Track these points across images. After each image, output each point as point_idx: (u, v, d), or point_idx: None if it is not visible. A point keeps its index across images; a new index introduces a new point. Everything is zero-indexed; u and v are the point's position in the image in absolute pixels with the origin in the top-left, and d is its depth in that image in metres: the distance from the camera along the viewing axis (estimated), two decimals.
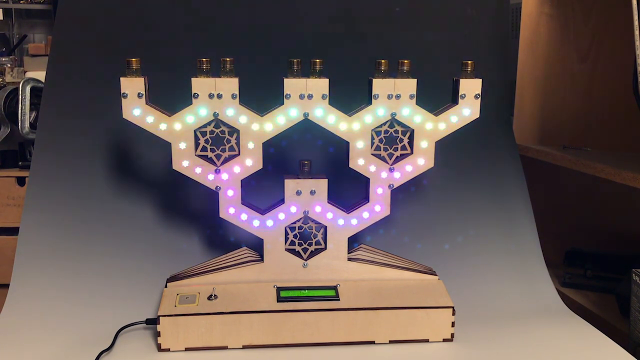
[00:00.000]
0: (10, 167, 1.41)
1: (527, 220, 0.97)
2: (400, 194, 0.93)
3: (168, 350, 0.73)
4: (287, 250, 0.80)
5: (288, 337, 0.74)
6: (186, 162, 0.76)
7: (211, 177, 0.77)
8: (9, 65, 1.85)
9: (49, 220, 0.87)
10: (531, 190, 0.99)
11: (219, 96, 0.74)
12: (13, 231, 1.35)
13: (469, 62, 0.77)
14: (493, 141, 0.99)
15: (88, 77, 0.90)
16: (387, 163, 0.79)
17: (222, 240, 0.90)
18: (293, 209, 0.78)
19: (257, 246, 0.82)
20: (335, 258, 0.80)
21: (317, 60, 0.75)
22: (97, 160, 0.90)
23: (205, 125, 0.75)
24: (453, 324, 0.76)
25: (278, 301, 0.75)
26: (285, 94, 0.75)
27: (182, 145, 0.75)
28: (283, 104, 0.75)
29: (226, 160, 0.77)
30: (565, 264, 1.11)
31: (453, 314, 0.76)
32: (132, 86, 0.73)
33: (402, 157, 0.79)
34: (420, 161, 0.79)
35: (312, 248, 0.80)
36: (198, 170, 0.76)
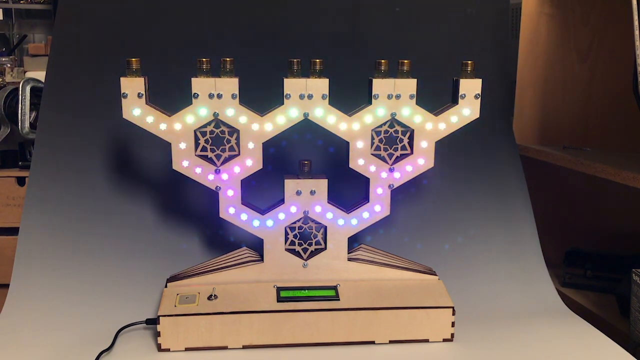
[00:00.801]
0: (10, 167, 1.41)
1: (527, 220, 0.97)
2: (400, 194, 0.93)
3: (168, 350, 0.73)
4: (287, 250, 0.80)
5: (288, 337, 0.74)
6: (186, 162, 0.76)
7: (211, 177, 0.77)
8: (9, 65, 1.85)
9: (49, 220, 0.87)
10: (531, 190, 0.99)
11: (219, 96, 0.74)
12: (13, 231, 1.35)
13: (469, 62, 0.77)
14: (493, 141, 0.99)
15: (88, 77, 0.90)
16: (387, 163, 0.79)
17: (222, 240, 0.90)
18: (293, 209, 0.78)
19: (257, 246, 0.82)
20: (335, 258, 0.80)
21: (317, 60, 0.75)
22: (97, 160, 0.90)
23: (205, 125, 0.75)
24: (453, 324, 0.76)
25: (278, 301, 0.75)
26: (285, 94, 0.75)
27: (182, 145, 0.75)
28: (283, 104, 0.75)
29: (226, 160, 0.77)
30: (565, 264, 1.11)
31: (453, 314, 0.76)
32: (132, 86, 0.73)
33: (402, 157, 0.79)
34: (420, 161, 0.79)
35: (312, 248, 0.80)
36: (198, 170, 0.76)
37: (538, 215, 0.98)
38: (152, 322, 0.75)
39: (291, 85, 0.75)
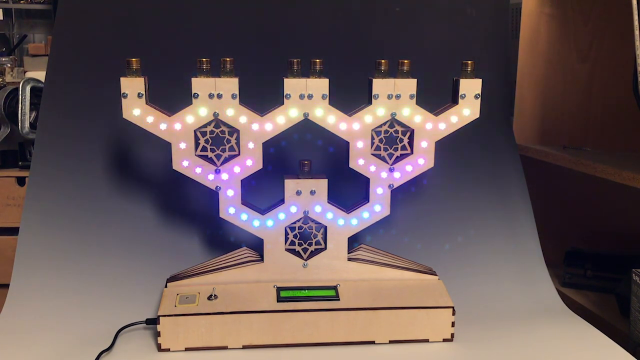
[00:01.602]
0: (10, 167, 1.41)
1: (527, 220, 0.97)
2: (400, 194, 0.93)
3: (168, 350, 0.73)
4: (287, 250, 0.80)
5: (288, 337, 0.74)
6: (186, 162, 0.76)
7: (211, 177, 0.77)
8: (9, 65, 1.85)
9: (49, 220, 0.87)
10: (531, 190, 0.99)
11: (219, 96, 0.74)
12: (13, 231, 1.35)
13: (469, 62, 0.77)
14: (493, 141, 0.99)
15: (88, 77, 0.90)
16: (387, 163, 0.79)
17: (222, 240, 0.90)
18: (293, 209, 0.78)
19: (257, 246, 0.82)
20: (335, 258, 0.80)
21: (317, 60, 0.75)
22: (97, 160, 0.90)
23: (205, 125, 0.75)
24: (453, 324, 0.76)
25: (278, 301, 0.75)
26: (285, 94, 0.75)
27: (182, 145, 0.75)
28: (283, 104, 0.75)
29: (226, 160, 0.77)
30: (565, 264, 1.11)
31: (453, 314, 0.76)
32: (132, 86, 0.73)
33: (402, 157, 0.79)
34: (420, 161, 0.79)
35: (312, 248, 0.80)
36: (198, 170, 0.76)
37: (538, 215, 0.98)
38: (152, 322, 0.75)
39: (291, 85, 0.75)
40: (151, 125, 0.74)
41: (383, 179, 0.79)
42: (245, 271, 0.79)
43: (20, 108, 1.32)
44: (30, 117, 1.33)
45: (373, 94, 0.76)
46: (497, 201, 0.97)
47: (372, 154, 0.78)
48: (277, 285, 0.78)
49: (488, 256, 0.94)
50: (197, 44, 0.92)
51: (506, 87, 1.02)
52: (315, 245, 0.80)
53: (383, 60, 0.75)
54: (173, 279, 0.79)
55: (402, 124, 0.78)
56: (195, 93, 0.74)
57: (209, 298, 0.75)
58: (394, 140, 0.78)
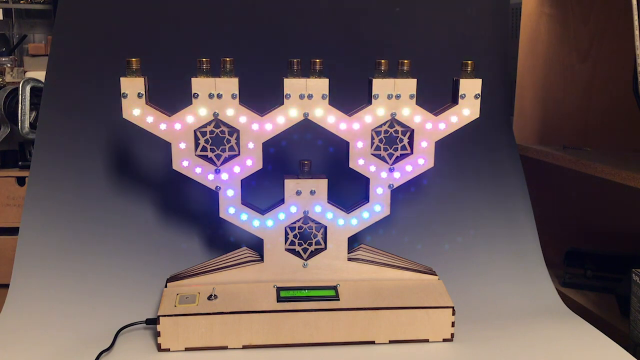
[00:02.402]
0: (10, 167, 1.41)
1: (527, 220, 0.97)
2: (400, 194, 0.93)
3: (168, 350, 0.73)
4: (287, 250, 0.80)
5: (288, 337, 0.74)
6: (186, 162, 0.76)
7: (211, 177, 0.77)
8: (9, 65, 1.85)
9: (49, 220, 0.87)
10: (531, 190, 0.99)
11: (219, 96, 0.74)
12: (13, 231, 1.35)
13: (469, 62, 0.77)
14: (493, 141, 0.99)
15: (88, 77, 0.90)
16: (387, 163, 0.79)
17: (222, 240, 0.90)
18: (293, 209, 0.78)
19: (257, 246, 0.82)
20: (335, 258, 0.80)
21: (317, 60, 0.75)
22: (97, 160, 0.90)
23: (205, 125, 0.75)
24: (453, 324, 0.76)
25: (278, 301, 0.75)
26: (285, 94, 0.75)
27: (182, 145, 0.75)
28: (283, 104, 0.75)
29: (226, 160, 0.77)
30: (565, 264, 1.11)
31: (453, 314, 0.76)
32: (132, 86, 0.73)
33: (402, 157, 0.79)
34: (420, 161, 0.79)
35: (312, 248, 0.80)
36: (198, 170, 0.76)
37: (538, 215, 0.98)
38: (152, 322, 0.75)
39: (291, 85, 0.75)
40: (151, 125, 0.74)
41: (383, 179, 0.79)
42: (245, 271, 0.79)
43: (20, 108, 1.32)
44: (30, 117, 1.33)
45: (373, 94, 0.76)
46: (497, 201, 0.97)
47: (372, 154, 0.78)
48: (277, 285, 0.78)
49: (488, 256, 0.94)
50: (197, 44, 0.92)
51: (506, 87, 1.02)
52: (315, 245, 0.80)
53: (383, 60, 0.75)
54: (173, 279, 0.79)
55: (402, 124, 0.78)
56: (195, 93, 0.74)
57: (209, 298, 0.75)
58: (394, 140, 0.78)
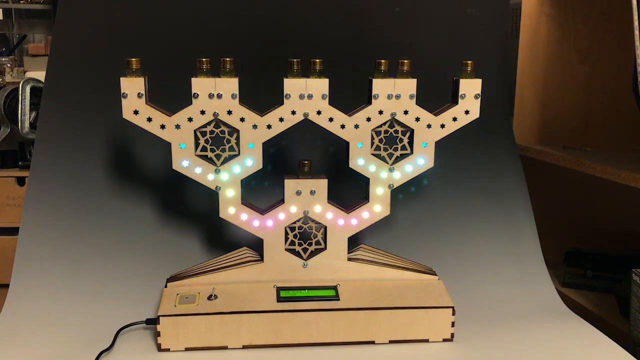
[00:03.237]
0: (10, 167, 1.41)
1: (527, 220, 0.97)
2: (400, 194, 0.93)
3: (168, 350, 0.73)
4: (287, 250, 0.80)
5: (288, 337, 0.74)
6: (186, 162, 0.76)
7: (211, 177, 0.77)
8: (9, 65, 1.85)
9: (49, 220, 0.87)
10: (531, 190, 0.99)
11: (219, 96, 0.74)
12: (13, 231, 1.35)
13: (469, 62, 0.77)
14: (493, 141, 0.99)
15: (88, 77, 0.90)
16: (387, 163, 0.79)
17: (222, 240, 0.90)
18: (293, 209, 0.78)
19: (257, 246, 0.82)
20: (335, 258, 0.80)
21: (317, 60, 0.75)
22: (97, 160, 0.90)
23: (205, 125, 0.75)
24: (453, 324, 0.76)
25: (278, 301, 0.75)
26: (285, 94, 0.75)
27: (182, 145, 0.75)
28: (283, 104, 0.75)
29: (226, 160, 0.77)
30: (565, 264, 1.11)
31: (453, 314, 0.76)
32: (132, 86, 0.73)
33: (402, 157, 0.79)
34: (420, 161, 0.79)
35: (312, 248, 0.80)
36: (198, 170, 0.76)
37: (538, 215, 0.98)
38: (152, 322, 0.75)
39: (291, 85, 0.75)
40: (151, 125, 0.74)
41: (383, 179, 0.79)
42: (245, 271, 0.79)
43: (20, 108, 1.32)
44: (30, 117, 1.33)
45: (373, 94, 0.76)
46: (497, 201, 0.97)
47: (372, 154, 0.78)
48: (277, 285, 0.78)
49: (488, 256, 0.94)
50: (197, 44, 0.92)
51: (506, 87, 1.02)
52: (315, 245, 0.80)
53: (383, 60, 0.75)
54: (173, 279, 0.79)
55: (402, 124, 0.78)
56: (195, 93, 0.74)
57: (209, 298, 0.75)
58: (394, 140, 0.78)
